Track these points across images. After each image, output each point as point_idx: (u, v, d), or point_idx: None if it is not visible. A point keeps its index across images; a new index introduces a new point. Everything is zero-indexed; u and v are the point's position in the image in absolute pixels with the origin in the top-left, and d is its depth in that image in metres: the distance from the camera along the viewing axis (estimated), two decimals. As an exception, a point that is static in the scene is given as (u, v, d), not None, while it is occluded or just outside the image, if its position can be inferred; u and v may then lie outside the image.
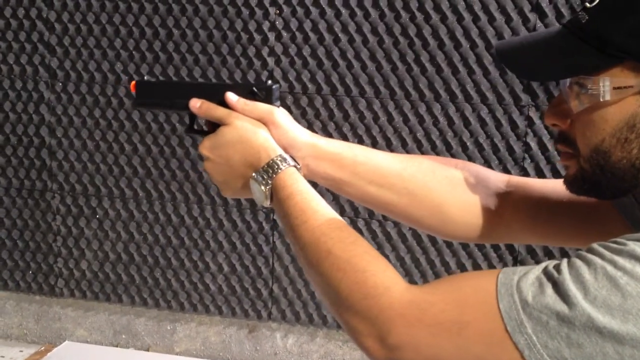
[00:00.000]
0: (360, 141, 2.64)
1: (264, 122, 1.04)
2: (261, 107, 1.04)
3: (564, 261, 0.76)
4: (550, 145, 2.50)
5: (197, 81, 1.09)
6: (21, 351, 3.05)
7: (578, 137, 0.84)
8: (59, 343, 3.07)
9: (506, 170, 2.54)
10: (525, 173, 2.53)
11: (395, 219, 1.14)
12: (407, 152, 2.61)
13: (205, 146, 1.05)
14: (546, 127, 2.50)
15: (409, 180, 1.08)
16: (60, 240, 3.00)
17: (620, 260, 0.72)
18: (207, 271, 2.89)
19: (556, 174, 2.51)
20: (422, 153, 2.60)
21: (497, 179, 1.11)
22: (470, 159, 2.57)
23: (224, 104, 1.05)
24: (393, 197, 1.08)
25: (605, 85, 0.78)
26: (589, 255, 0.74)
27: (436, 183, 1.09)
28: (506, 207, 1.08)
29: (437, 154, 2.59)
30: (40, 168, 2.96)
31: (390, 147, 2.62)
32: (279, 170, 0.98)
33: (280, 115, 1.05)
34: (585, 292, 0.71)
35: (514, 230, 1.08)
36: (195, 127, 1.10)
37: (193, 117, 1.09)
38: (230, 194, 1.08)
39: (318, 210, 0.94)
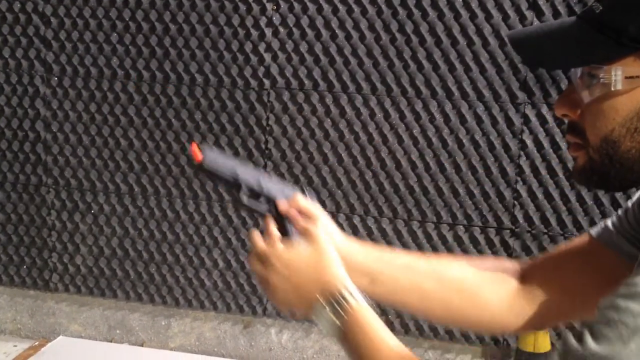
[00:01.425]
0: (357, 138, 2.65)
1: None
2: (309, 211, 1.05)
3: (585, 333, 0.73)
4: (546, 143, 2.51)
5: (257, 169, 1.04)
6: (15, 346, 3.04)
7: (588, 127, 0.84)
8: (53, 338, 3.07)
9: (502, 168, 2.55)
10: (520, 170, 2.54)
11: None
12: (403, 149, 2.61)
13: (278, 255, 1.01)
14: (542, 125, 2.50)
15: (440, 300, 1.10)
16: (54, 235, 3.00)
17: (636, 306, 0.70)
18: (202, 267, 2.89)
19: (551, 172, 2.52)
20: (418, 150, 2.60)
21: (517, 279, 1.11)
22: (466, 156, 2.58)
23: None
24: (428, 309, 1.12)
25: (617, 74, 0.79)
26: (606, 313, 0.72)
27: (470, 303, 1.10)
28: (536, 298, 1.08)
29: (433, 151, 2.60)
30: (35, 162, 2.95)
31: (386, 144, 2.63)
32: (349, 305, 0.97)
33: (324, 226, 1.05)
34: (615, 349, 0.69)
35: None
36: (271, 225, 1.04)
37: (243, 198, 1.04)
38: (283, 307, 1.05)
39: (389, 355, 0.93)
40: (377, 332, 0.95)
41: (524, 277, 1.10)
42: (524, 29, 0.91)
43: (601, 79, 0.80)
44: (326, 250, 1.01)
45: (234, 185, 1.01)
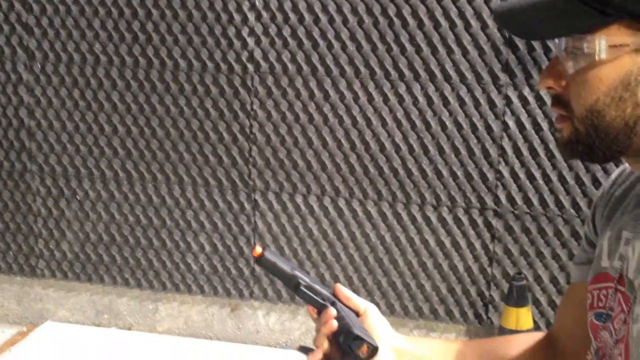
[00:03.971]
0: (341, 121, 2.66)
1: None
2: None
3: None
4: (527, 124, 2.54)
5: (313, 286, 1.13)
6: (3, 332, 3.05)
7: (572, 97, 0.84)
8: (40, 323, 3.08)
9: (484, 149, 2.58)
10: (503, 152, 2.57)
11: None
12: (387, 131, 2.64)
13: None
14: (524, 106, 2.53)
15: None
16: (40, 221, 3.00)
17: None
18: (189, 251, 2.91)
19: (533, 152, 2.55)
20: (402, 133, 2.63)
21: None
22: (449, 138, 2.60)
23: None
24: None
25: (601, 43, 0.79)
26: None
27: None
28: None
29: (417, 133, 2.62)
30: (20, 149, 2.94)
31: (370, 127, 2.65)
32: None
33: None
34: None
35: None
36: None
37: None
38: None
39: None
40: None
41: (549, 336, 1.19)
42: (508, 2, 0.88)
43: (585, 49, 0.80)
44: None
45: (291, 277, 1.11)
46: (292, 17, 2.63)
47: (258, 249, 1.09)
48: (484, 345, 1.23)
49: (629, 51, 0.78)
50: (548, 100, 2.50)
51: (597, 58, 0.79)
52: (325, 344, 1.09)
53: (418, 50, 2.57)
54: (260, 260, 1.10)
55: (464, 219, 2.66)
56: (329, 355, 1.09)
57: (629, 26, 0.78)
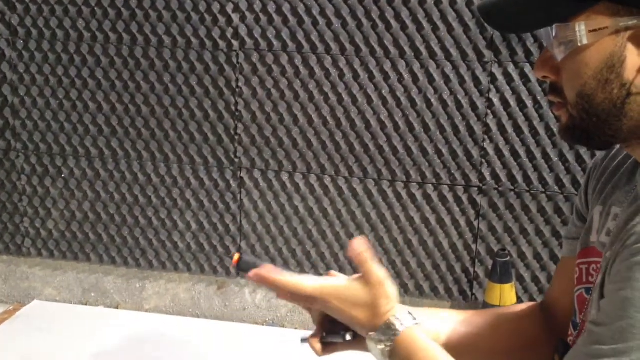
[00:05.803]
0: (326, 98, 2.66)
1: None
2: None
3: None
4: (512, 101, 2.54)
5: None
6: (-10, 311, 3.05)
7: (564, 84, 0.87)
8: (27, 302, 3.07)
9: (469, 127, 2.58)
10: (488, 129, 2.57)
11: None
12: (372, 109, 2.63)
13: (329, 293, 1.04)
14: (508, 83, 2.53)
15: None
16: (26, 200, 2.99)
17: None
18: (175, 229, 2.91)
19: (517, 129, 2.56)
20: (387, 110, 2.62)
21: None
22: (434, 115, 2.60)
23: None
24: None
25: (581, 29, 0.81)
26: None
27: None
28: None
29: (402, 110, 2.62)
30: (4, 127, 2.93)
31: (355, 104, 2.64)
32: (398, 332, 1.01)
33: None
34: None
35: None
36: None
37: None
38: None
39: None
40: (426, 352, 0.99)
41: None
42: None
43: (568, 36, 0.82)
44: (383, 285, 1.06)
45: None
46: (277, -7, 2.62)
47: (235, 256, 1.12)
48: (492, 314, 1.25)
49: (610, 34, 0.80)
50: (532, 77, 2.51)
51: (579, 44, 0.82)
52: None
53: (403, 27, 2.56)
54: (239, 264, 1.11)
55: (449, 196, 2.67)
56: (329, 329, 1.12)
57: (606, 9, 0.80)
